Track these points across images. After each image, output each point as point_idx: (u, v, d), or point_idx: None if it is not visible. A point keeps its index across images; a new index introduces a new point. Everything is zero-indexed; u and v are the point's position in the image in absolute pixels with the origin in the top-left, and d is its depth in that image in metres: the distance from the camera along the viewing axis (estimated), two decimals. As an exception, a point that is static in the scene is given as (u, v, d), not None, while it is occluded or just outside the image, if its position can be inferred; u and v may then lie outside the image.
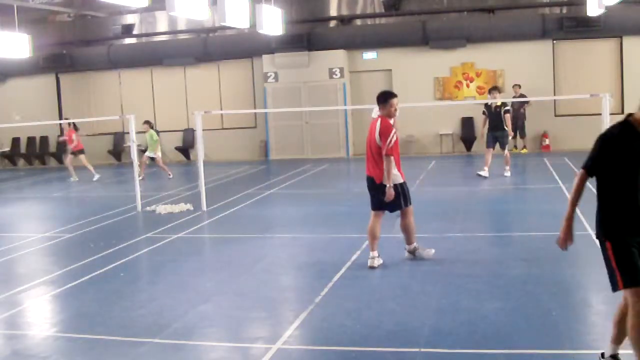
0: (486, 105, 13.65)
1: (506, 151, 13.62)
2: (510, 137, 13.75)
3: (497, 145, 13.59)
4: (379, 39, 19.51)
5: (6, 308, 6.30)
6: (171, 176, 16.45)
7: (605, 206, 3.95)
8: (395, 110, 7.08)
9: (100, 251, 8.50)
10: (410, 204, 7.25)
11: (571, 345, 4.80)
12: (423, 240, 7.64)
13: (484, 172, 13.44)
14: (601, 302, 5.84)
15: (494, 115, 13.43)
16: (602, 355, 4.26)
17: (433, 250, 7.39)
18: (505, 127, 13.33)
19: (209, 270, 7.64)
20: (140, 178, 15.53)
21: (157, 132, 17.46)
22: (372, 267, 7.08)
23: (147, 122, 16.52)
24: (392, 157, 6.95)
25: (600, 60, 18.56)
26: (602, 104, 9.84)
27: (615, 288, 3.92)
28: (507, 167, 13.68)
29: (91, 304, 6.38)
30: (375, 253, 7.17)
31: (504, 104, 13.35)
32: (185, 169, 19.40)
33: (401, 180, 7.16)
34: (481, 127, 14.17)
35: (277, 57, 19.81)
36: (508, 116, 13.39)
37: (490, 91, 13.69)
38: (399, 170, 7.13)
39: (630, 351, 4.55)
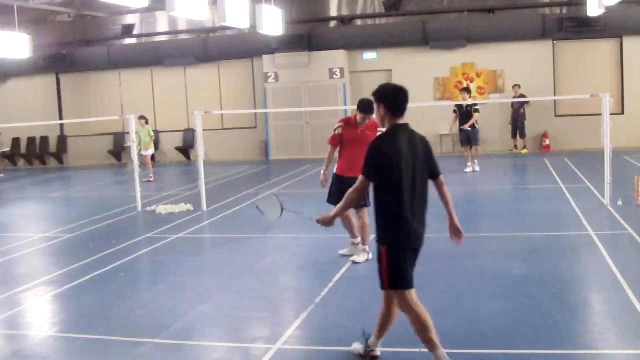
0: (457, 104, 14.91)
1: (477, 148, 14.87)
2: (478, 133, 14.79)
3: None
4: (379, 39, 19.51)
5: (6, 308, 6.31)
6: (151, 180, 15.89)
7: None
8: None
9: (100, 251, 8.50)
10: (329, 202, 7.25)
11: (571, 345, 4.80)
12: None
13: (469, 169, 14.61)
14: (601, 302, 5.85)
15: (465, 114, 14.64)
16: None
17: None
18: (476, 126, 14.60)
19: (209, 270, 7.64)
20: (145, 179, 15.51)
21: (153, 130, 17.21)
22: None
23: (142, 117, 16.13)
24: (330, 146, 7.38)
25: (600, 60, 18.55)
26: (602, 104, 9.86)
27: None
28: (476, 161, 14.79)
29: (91, 304, 6.38)
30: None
31: (474, 104, 14.64)
32: (185, 169, 19.40)
33: (337, 173, 7.30)
34: (451, 124, 15.31)
35: (277, 57, 19.80)
36: (476, 115, 14.60)
37: (461, 91, 15.02)
38: (341, 163, 7.29)
39: (628, 351, 4.56)
